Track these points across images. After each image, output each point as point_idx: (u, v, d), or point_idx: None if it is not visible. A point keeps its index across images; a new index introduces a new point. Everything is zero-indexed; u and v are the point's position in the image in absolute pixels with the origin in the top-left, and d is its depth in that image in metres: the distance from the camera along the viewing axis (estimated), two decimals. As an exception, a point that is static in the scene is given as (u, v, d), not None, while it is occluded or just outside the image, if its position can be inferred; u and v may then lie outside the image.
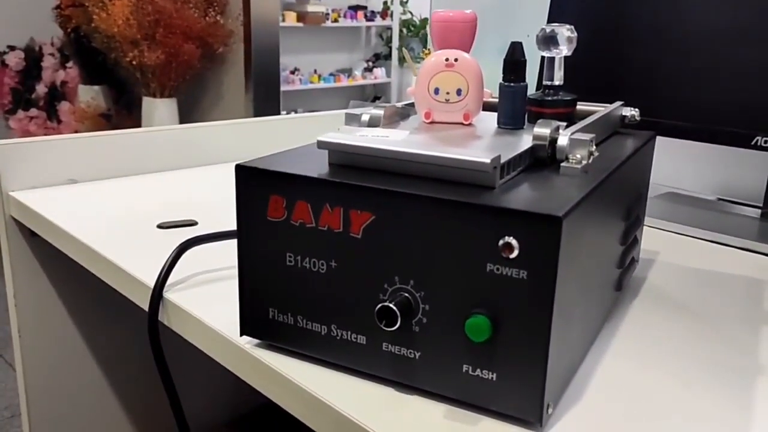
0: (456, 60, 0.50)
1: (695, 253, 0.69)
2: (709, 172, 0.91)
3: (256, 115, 3.32)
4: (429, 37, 0.53)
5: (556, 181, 0.43)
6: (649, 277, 0.62)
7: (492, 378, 0.39)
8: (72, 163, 0.88)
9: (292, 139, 1.11)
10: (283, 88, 3.98)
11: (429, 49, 0.60)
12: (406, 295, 0.41)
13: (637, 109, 0.59)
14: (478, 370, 0.39)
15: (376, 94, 5.06)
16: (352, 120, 0.52)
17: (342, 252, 0.42)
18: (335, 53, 4.93)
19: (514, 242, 0.37)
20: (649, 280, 0.61)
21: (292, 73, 4.61)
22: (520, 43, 0.50)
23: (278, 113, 3.71)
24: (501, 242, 0.37)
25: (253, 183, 0.44)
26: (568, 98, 0.52)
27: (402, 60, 4.81)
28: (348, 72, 4.92)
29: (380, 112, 0.52)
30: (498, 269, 0.38)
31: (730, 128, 0.73)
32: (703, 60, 0.74)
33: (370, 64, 5.04)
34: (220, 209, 0.79)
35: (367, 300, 0.42)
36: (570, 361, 0.44)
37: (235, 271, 0.46)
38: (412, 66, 1.32)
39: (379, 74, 5.02)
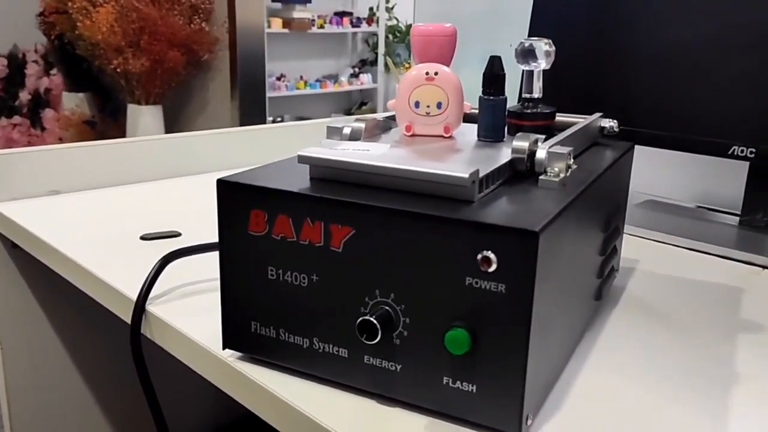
0: (436, 74, 0.51)
1: (674, 262, 0.70)
2: (688, 179, 0.92)
3: (242, 122, 3.32)
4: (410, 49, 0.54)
5: (534, 194, 0.43)
6: (628, 286, 0.63)
7: (472, 390, 0.40)
8: (54, 174, 0.88)
9: (276, 148, 1.11)
10: (269, 94, 3.98)
11: (410, 63, 0.61)
12: (387, 308, 0.41)
13: (615, 121, 0.59)
14: (458, 382, 0.40)
15: (362, 100, 5.07)
16: (334, 133, 0.53)
17: (323, 266, 0.43)
18: (321, 59, 4.94)
19: (492, 256, 0.37)
20: (628, 289, 0.62)
21: (278, 79, 4.61)
22: (499, 57, 0.50)
23: (264, 120, 3.71)
24: (479, 256, 0.38)
25: (235, 197, 0.45)
26: (547, 111, 0.53)
27: (387, 66, 4.83)
28: (334, 78, 4.93)
29: (361, 125, 0.52)
30: (477, 283, 0.38)
31: (708, 138, 0.74)
32: (680, 70, 0.76)
33: (357, 70, 5.05)
34: (204, 220, 0.79)
35: (349, 313, 0.43)
36: (549, 372, 0.44)
37: (218, 283, 0.46)
38: (396, 74, 1.33)
39: (366, 80, 5.04)
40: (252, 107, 3.45)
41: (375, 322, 0.40)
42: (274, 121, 4.53)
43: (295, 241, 0.43)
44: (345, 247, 0.42)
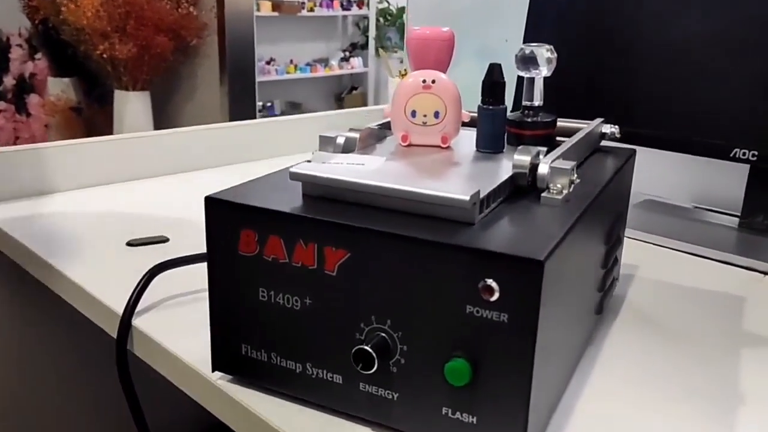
0: (433, 81, 0.49)
1: (674, 267, 0.69)
2: (686, 178, 0.91)
3: (231, 108, 3.27)
4: (406, 53, 0.52)
5: (536, 213, 0.42)
6: (628, 295, 0.61)
7: (472, 421, 0.38)
8: (35, 175, 0.85)
9: (267, 144, 1.08)
10: (259, 78, 3.93)
11: (406, 70, 0.59)
12: (383, 335, 0.39)
13: (616, 126, 0.58)
14: (458, 413, 0.38)
15: (353, 85, 5.02)
16: (327, 143, 0.51)
17: (317, 289, 0.41)
18: (311, 43, 4.88)
19: (494, 285, 0.36)
20: (628, 299, 0.61)
21: (268, 63, 4.55)
22: (499, 65, 0.48)
23: (254, 105, 3.66)
24: (481, 285, 0.36)
25: (224, 216, 0.43)
26: (548, 119, 0.51)
27: (379, 51, 4.78)
28: (325, 62, 4.88)
29: (355, 135, 0.50)
30: (478, 311, 0.37)
31: (709, 140, 0.72)
32: (681, 70, 0.74)
33: (347, 53, 4.99)
34: (193, 222, 0.77)
35: (343, 339, 0.41)
36: (552, 397, 0.43)
37: (207, 295, 0.44)
38: (386, 59, 1.30)
39: (356, 64, 4.98)
40: (241, 92, 3.41)
41: (371, 351, 0.38)
42: (263, 106, 4.49)
43: (287, 262, 0.41)
44: (339, 270, 0.40)
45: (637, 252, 0.72)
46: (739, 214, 0.79)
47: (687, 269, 0.68)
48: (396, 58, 4.77)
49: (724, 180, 0.86)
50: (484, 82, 0.48)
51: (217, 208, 0.43)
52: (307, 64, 4.80)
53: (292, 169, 0.43)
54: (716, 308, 0.60)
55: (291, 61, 4.72)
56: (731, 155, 0.70)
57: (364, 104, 4.95)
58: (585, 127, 0.57)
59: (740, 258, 0.69)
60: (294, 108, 4.75)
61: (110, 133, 2.75)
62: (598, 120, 0.58)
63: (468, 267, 0.36)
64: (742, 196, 0.77)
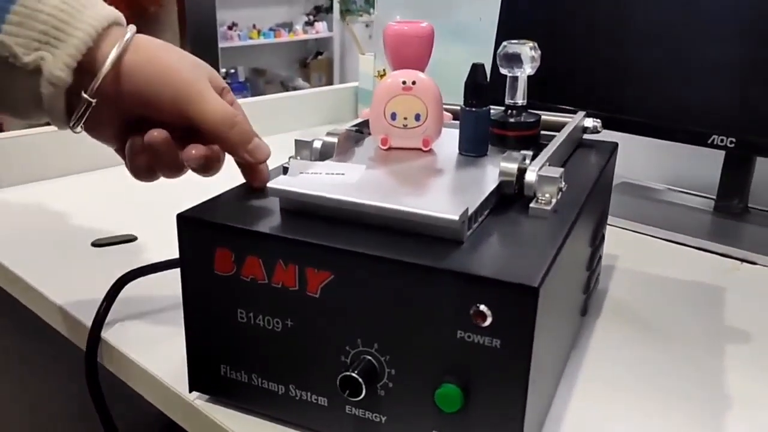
0: (414, 83, 0.47)
1: (653, 256, 0.68)
2: (659, 160, 0.90)
3: (193, 76, 3.17)
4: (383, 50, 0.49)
5: (526, 227, 0.40)
6: (609, 289, 0.61)
7: (464, 446, 0.37)
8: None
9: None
10: (221, 44, 3.82)
11: (384, 70, 0.56)
12: (370, 358, 0.38)
13: (599, 120, 0.56)
14: (449, 437, 0.37)
15: (318, 50, 4.93)
16: (303, 147, 0.48)
17: (299, 311, 0.39)
18: (274, 6, 4.75)
19: (487, 311, 0.34)
20: (609, 294, 0.60)
21: (230, 28, 4.42)
22: (482, 65, 0.46)
23: (217, 72, 3.57)
24: (473, 310, 0.34)
25: (197, 235, 0.40)
26: (532, 120, 0.49)
27: (344, 15, 4.68)
28: (288, 26, 4.76)
29: (333, 139, 0.48)
30: (469, 336, 0.35)
31: (686, 126, 0.71)
32: (659, 56, 0.72)
33: (311, 17, 4.88)
34: (162, 217, 0.74)
35: (328, 361, 0.39)
36: (542, 412, 0.42)
37: (182, 303, 0.42)
38: (359, 45, 1.26)
39: (321, 28, 4.87)
40: (204, 60, 3.31)
41: (359, 378, 0.37)
42: (227, 73, 4.38)
43: (266, 283, 0.39)
44: (323, 292, 0.38)
45: (614, 240, 0.71)
46: (711, 195, 0.79)
47: (665, 258, 0.68)
48: (361, 23, 4.68)
49: (697, 161, 0.86)
50: (467, 83, 0.46)
51: (189, 226, 0.40)
52: (271, 29, 4.68)
53: (269, 185, 0.40)
54: (697, 301, 0.59)
55: (254, 26, 4.59)
56: (709, 142, 0.69)
57: (330, 70, 4.87)
58: (568, 121, 0.56)
59: (717, 245, 0.69)
60: (258, 74, 4.65)
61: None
62: (581, 114, 0.56)
63: (459, 291, 0.35)
64: (714, 177, 0.77)
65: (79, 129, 0.45)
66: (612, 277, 0.63)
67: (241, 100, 1.06)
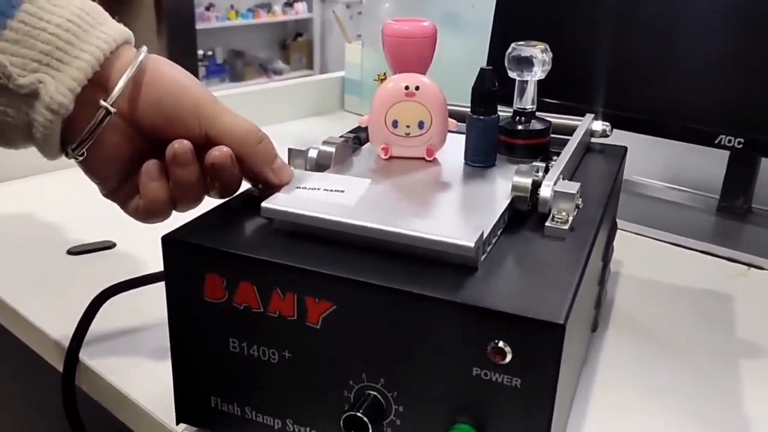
0: (417, 88, 0.43)
1: (658, 261, 0.66)
2: (661, 155, 0.88)
3: (170, 58, 3.09)
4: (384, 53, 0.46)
5: (543, 249, 0.37)
6: (616, 299, 0.58)
7: (478, 489, 0.34)
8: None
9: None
10: (199, 26, 3.73)
11: (384, 74, 0.52)
12: (375, 394, 0.35)
13: (608, 123, 0.53)
14: (462, 480, 0.34)
15: (297, 31, 4.84)
16: (297, 157, 0.45)
17: (297, 342, 0.36)
18: (253, -14, 4.65)
19: (506, 347, 0.31)
20: (617, 305, 0.57)
21: (207, 9, 4.32)
22: (491, 70, 0.43)
23: (195, 55, 3.48)
24: (491, 346, 0.32)
25: (185, 259, 0.37)
26: (542, 127, 0.46)
27: (324, -6, 4.60)
28: (267, 7, 4.66)
29: (330, 149, 0.44)
30: (486, 374, 0.32)
31: (693, 125, 0.69)
32: (665, 53, 0.70)
33: (291, -2, 4.78)
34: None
35: (330, 396, 0.36)
36: (556, 443, 0.39)
37: (167, 321, 0.39)
38: (346, 33, 1.22)
39: (301, 9, 4.79)
40: (181, 42, 3.22)
41: (364, 418, 0.34)
42: (204, 56, 4.28)
43: (261, 312, 0.36)
44: (324, 323, 0.35)
45: (619, 244, 0.69)
46: (712, 194, 0.77)
47: (670, 263, 0.66)
48: (342, 3, 4.60)
49: (697, 159, 0.84)
50: (474, 89, 0.43)
51: (176, 249, 0.37)
52: (249, 10, 4.58)
53: (263, 204, 0.37)
54: (707, 311, 0.57)
55: (231, 7, 4.49)
56: (716, 142, 0.67)
57: (310, 52, 4.79)
58: (574, 124, 0.53)
59: (722, 249, 0.67)
60: (237, 56, 4.56)
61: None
62: (589, 117, 0.53)
63: (476, 326, 0.32)
64: (714, 175, 0.75)
65: (78, 155, 0.41)
66: (617, 284, 0.61)
67: (220, 88, 1.02)
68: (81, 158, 0.41)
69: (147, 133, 0.41)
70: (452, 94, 0.47)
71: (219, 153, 0.40)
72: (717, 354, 0.51)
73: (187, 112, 0.40)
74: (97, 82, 0.39)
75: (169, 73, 0.41)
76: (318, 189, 0.39)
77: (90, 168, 0.43)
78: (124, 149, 0.41)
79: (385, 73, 0.46)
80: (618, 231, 0.61)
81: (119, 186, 0.43)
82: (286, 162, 0.44)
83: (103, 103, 0.39)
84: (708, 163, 0.79)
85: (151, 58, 0.41)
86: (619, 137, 0.57)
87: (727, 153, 0.73)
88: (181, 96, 0.40)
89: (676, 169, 0.85)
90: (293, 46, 4.86)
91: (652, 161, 0.86)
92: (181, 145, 0.40)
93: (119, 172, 0.43)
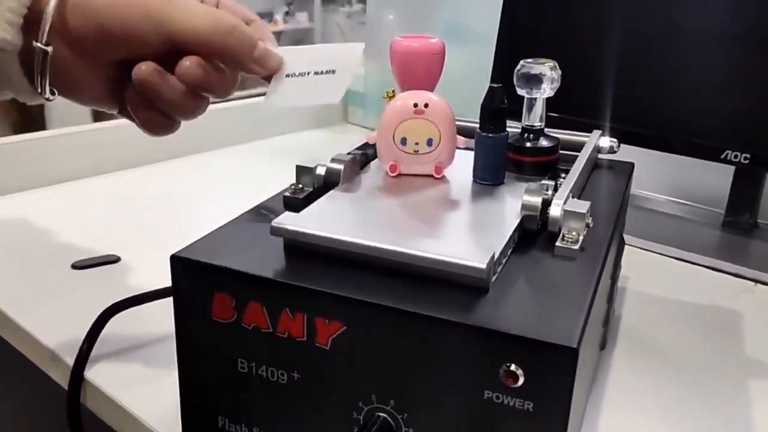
0: (426, 105, 0.43)
1: (664, 277, 0.66)
2: (661, 169, 0.87)
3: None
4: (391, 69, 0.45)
5: (553, 270, 0.37)
6: (623, 316, 0.58)
7: None
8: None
9: (223, 132, 1.00)
10: (200, 35, 3.74)
11: (393, 91, 0.53)
12: (385, 416, 0.35)
13: (615, 140, 0.53)
14: (473, 503, 0.34)
15: (298, 41, 4.85)
16: (305, 174, 0.45)
17: (307, 363, 0.36)
18: (254, -4, 4.67)
19: (518, 371, 0.31)
20: (624, 321, 0.57)
21: (209, 18, 4.34)
22: (500, 88, 0.43)
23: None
24: (503, 369, 0.31)
25: (194, 278, 0.37)
26: (551, 145, 0.46)
27: (327, 1, 4.61)
28: (269, 16, 4.68)
29: (339, 166, 0.44)
30: (498, 397, 0.32)
31: (699, 141, 0.68)
32: (672, 69, 0.70)
33: (292, 7, 4.80)
34: (145, 234, 0.70)
35: (339, 417, 0.36)
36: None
37: (174, 337, 0.38)
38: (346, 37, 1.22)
39: (302, 19, 4.80)
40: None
41: (375, 442, 0.33)
42: (206, 64, 4.29)
43: (270, 332, 0.36)
44: (334, 344, 0.35)
45: (624, 258, 0.68)
46: (718, 208, 0.76)
47: (676, 278, 0.66)
48: (342, 12, 4.62)
49: (701, 172, 0.84)
50: (483, 106, 0.43)
51: (185, 268, 0.37)
52: (251, 19, 4.59)
53: (273, 223, 0.37)
54: (715, 329, 0.57)
55: (233, 16, 4.51)
56: (722, 157, 0.67)
57: (311, 61, 4.79)
58: (582, 140, 0.53)
59: (728, 264, 0.67)
60: (238, 65, 4.57)
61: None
62: (597, 133, 0.53)
63: (488, 349, 0.31)
64: (718, 189, 0.75)
65: (50, 94, 0.38)
66: (624, 300, 0.61)
67: (221, 103, 1.02)
68: (53, 97, 0.38)
69: (105, 57, 0.38)
70: (454, 104, 0.46)
71: (187, 66, 0.36)
72: (726, 373, 0.51)
73: (137, 24, 0.36)
74: (37, 6, 0.36)
75: None
76: (308, 73, 0.38)
77: (80, 100, 0.40)
78: (96, 77, 0.39)
79: (393, 91, 0.46)
80: (626, 247, 0.61)
81: (123, 104, 0.40)
82: (295, 181, 0.44)
83: (35, 44, 0.36)
84: (713, 177, 0.79)
85: None
86: (625, 150, 0.57)
87: (732, 167, 0.72)
88: (123, 8, 0.36)
89: (681, 182, 0.85)
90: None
91: (657, 175, 0.86)
92: (141, 70, 0.37)
93: (108, 93, 0.40)
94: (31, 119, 1.95)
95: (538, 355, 0.31)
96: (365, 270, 0.35)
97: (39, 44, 0.36)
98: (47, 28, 0.36)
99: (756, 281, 0.65)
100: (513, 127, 0.46)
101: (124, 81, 0.39)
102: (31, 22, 0.36)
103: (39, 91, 0.38)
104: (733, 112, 0.67)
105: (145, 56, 0.37)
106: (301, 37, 4.91)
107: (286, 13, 4.79)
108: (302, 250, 0.37)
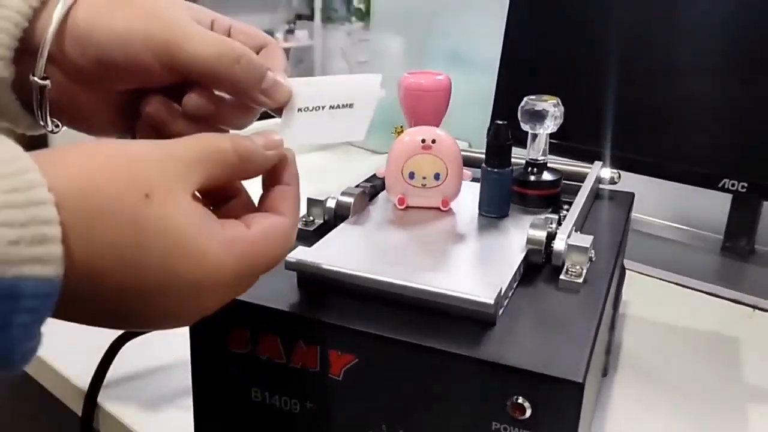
0: (434, 141, 0.44)
1: (663, 302, 0.67)
2: (660, 194, 0.89)
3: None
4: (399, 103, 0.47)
5: (558, 303, 0.38)
6: (624, 342, 0.59)
7: None
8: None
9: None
10: (202, 53, 3.77)
11: (402, 126, 0.54)
12: (396, 445, 0.36)
13: (617, 171, 0.55)
14: None
15: (299, 59, 4.89)
16: (315, 206, 0.46)
17: (319, 393, 0.37)
18: (255, 14, 4.71)
19: (525, 403, 0.32)
20: (625, 348, 0.58)
21: (210, 36, 4.37)
22: (505, 125, 0.44)
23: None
24: (510, 402, 0.32)
25: (210, 311, 0.38)
26: (554, 178, 0.48)
27: (328, 20, 4.65)
28: (269, 34, 4.72)
29: (349, 199, 0.45)
30: (505, 429, 0.33)
31: (697, 169, 0.70)
32: (671, 99, 0.71)
33: (293, 26, 4.85)
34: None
35: (350, 446, 0.37)
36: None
37: (188, 364, 0.39)
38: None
39: (302, 37, 4.84)
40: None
41: (386, 472, 0.34)
42: (207, 82, 4.32)
43: (284, 363, 0.37)
44: (346, 375, 0.36)
45: (624, 284, 0.70)
46: (716, 233, 0.78)
47: (676, 304, 0.67)
48: (343, 30, 4.66)
49: (699, 198, 0.85)
50: (488, 143, 0.44)
51: (202, 301, 0.38)
52: (251, 37, 4.63)
53: (288, 258, 0.38)
54: (715, 355, 0.58)
55: (234, 34, 4.54)
56: (720, 186, 0.68)
57: (311, 78, 4.83)
58: (583, 171, 0.54)
59: (727, 290, 0.68)
60: (238, 83, 4.60)
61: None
62: (598, 164, 0.55)
63: (496, 382, 0.33)
64: (719, 214, 0.76)
65: (54, 126, 0.36)
66: (624, 326, 0.62)
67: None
68: (57, 129, 0.37)
69: (108, 87, 0.36)
70: (455, 130, 0.47)
71: (192, 99, 0.34)
72: (725, 398, 0.52)
73: (138, 54, 0.33)
74: (31, 36, 0.34)
75: (111, 5, 0.34)
76: (322, 108, 0.37)
77: (88, 130, 0.38)
78: (102, 106, 0.36)
79: (402, 126, 0.47)
80: (626, 272, 0.62)
81: (134, 133, 0.38)
82: (305, 213, 0.46)
83: (32, 78, 0.34)
84: (711, 203, 0.80)
85: (79, 5, 0.34)
86: (625, 175, 0.58)
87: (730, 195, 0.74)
88: (124, 37, 0.34)
89: (679, 208, 0.86)
90: (294, 73, 4.90)
91: (656, 200, 0.87)
92: (149, 105, 0.35)
93: (118, 122, 0.38)
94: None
95: (545, 389, 0.32)
96: (377, 303, 0.37)
97: (36, 78, 0.34)
98: (44, 63, 0.34)
99: (755, 307, 0.66)
100: (517, 157, 0.48)
101: (134, 107, 0.36)
102: (24, 53, 0.34)
103: (41, 123, 0.36)
104: (732, 142, 0.68)
105: (151, 85, 0.35)
106: (300, 55, 4.95)
107: (287, 31, 4.83)
108: (315, 284, 0.38)
